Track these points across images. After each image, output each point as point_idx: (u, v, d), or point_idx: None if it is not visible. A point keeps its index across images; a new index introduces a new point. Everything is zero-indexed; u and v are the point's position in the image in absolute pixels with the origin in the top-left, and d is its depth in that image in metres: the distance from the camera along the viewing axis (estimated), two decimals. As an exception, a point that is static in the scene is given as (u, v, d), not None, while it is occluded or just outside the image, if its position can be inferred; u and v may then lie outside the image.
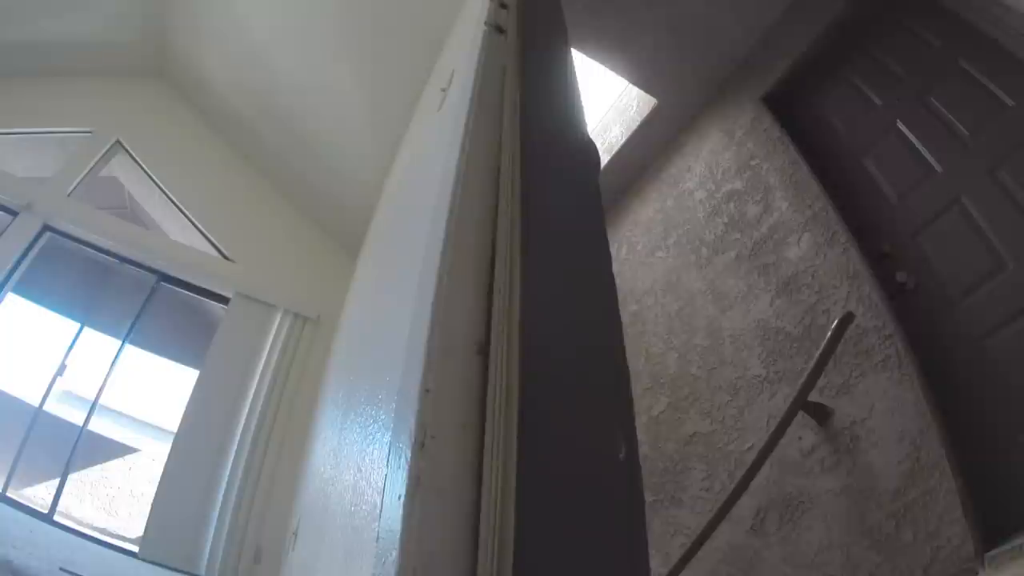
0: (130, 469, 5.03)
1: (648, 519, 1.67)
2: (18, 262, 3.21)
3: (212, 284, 3.79)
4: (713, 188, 2.78)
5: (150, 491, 3.17)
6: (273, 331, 3.64)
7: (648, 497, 2.35)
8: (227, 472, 3.15)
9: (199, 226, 3.90)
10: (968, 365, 1.73)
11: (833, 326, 1.89)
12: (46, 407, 3.47)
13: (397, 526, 0.61)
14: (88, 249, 3.57)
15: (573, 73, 1.34)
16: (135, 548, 2.97)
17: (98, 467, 4.87)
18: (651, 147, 3.21)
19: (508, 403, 0.67)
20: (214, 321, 4.18)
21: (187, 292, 3.81)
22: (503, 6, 1.37)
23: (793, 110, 2.62)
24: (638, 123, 3.16)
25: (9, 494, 2.98)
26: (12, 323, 4.47)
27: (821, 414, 1.91)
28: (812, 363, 1.89)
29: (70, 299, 4.51)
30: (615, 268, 0.98)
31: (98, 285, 4.36)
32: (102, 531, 3.68)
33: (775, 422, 1.90)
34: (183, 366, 5.12)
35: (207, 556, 2.92)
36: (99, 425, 4.76)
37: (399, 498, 0.64)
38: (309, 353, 3.61)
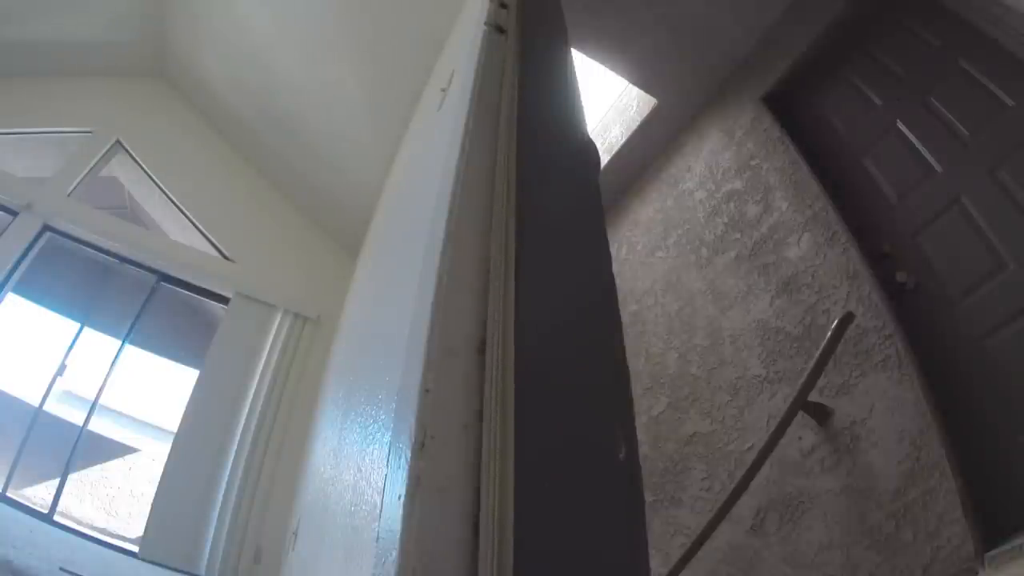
0: (130, 469, 5.03)
1: (648, 519, 1.67)
2: (18, 262, 3.20)
3: (212, 284, 3.79)
4: (713, 188, 2.78)
5: (150, 491, 3.17)
6: (273, 331, 3.65)
7: (648, 497, 2.35)
8: (227, 472, 3.14)
9: (199, 226, 3.90)
10: (968, 365, 1.73)
11: (833, 326, 1.89)
12: (46, 407, 3.48)
13: (397, 526, 0.61)
14: (88, 249, 3.57)
15: (573, 73, 1.34)
16: (135, 548, 2.97)
17: (98, 467, 4.87)
18: (651, 147, 3.21)
19: (507, 403, 0.67)
20: (214, 321, 4.18)
21: (187, 292, 3.81)
22: (503, 6, 1.37)
23: (793, 110, 2.62)
24: (638, 123, 3.16)
25: (9, 494, 2.98)
26: (12, 323, 4.47)
27: (821, 414, 1.91)
28: (812, 363, 1.89)
29: (70, 299, 4.51)
30: (615, 268, 0.98)
31: (98, 285, 4.36)
32: (102, 531, 3.69)
33: (775, 422, 1.90)
34: (183, 366, 5.13)
35: (207, 556, 2.92)
36: (99, 425, 4.77)
37: (399, 498, 0.64)
38: (309, 353, 3.61)
